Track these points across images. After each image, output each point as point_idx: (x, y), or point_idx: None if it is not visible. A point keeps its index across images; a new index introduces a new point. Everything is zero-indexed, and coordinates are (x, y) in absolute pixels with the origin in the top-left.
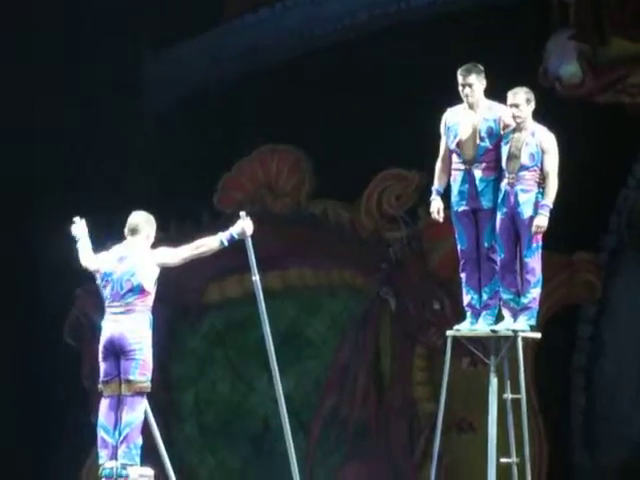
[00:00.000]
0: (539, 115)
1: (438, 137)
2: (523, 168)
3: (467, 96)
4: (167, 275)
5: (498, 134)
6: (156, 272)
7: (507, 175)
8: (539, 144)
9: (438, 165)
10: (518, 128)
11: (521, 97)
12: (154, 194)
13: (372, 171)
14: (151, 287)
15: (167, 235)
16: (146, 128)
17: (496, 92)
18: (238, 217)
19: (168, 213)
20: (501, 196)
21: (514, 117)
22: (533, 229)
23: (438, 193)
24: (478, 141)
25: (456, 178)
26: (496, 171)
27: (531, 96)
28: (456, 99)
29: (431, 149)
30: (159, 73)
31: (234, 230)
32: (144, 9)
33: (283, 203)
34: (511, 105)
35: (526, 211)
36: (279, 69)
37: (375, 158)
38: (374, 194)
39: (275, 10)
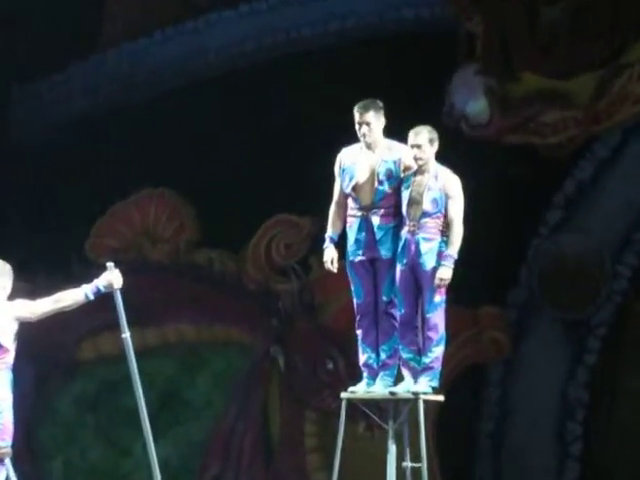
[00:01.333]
0: (443, 157)
1: (332, 180)
2: (425, 215)
3: (364, 135)
4: (37, 329)
5: (398, 177)
6: (14, 327)
7: (408, 222)
8: (443, 188)
9: (332, 210)
10: (420, 171)
11: (423, 137)
12: (19, 238)
13: (260, 217)
14: (10, 343)
15: (33, 286)
16: (13, 166)
17: (396, 130)
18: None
19: (35, 261)
20: (401, 245)
21: (416, 159)
22: (436, 282)
23: (332, 241)
24: (376, 184)
25: (352, 225)
26: (396, 218)
27: (434, 136)
28: (353, 138)
29: (325, 193)
30: (29, 108)
31: (100, 282)
32: (11, 42)
33: (162, 251)
34: (412, 146)
35: (428, 262)
36: (158, 104)
37: (263, 203)
38: (262, 242)
39: (154, 39)
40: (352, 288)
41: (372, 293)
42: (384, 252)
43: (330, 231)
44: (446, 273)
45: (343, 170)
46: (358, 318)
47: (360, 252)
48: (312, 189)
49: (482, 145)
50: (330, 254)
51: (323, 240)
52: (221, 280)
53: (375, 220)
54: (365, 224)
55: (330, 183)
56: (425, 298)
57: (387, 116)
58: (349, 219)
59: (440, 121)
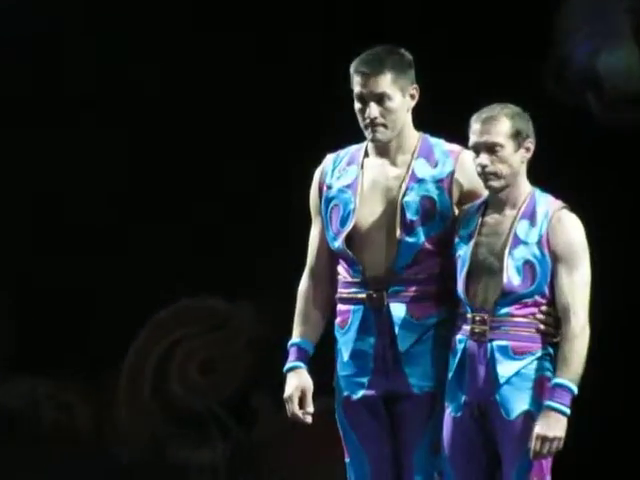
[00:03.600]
0: (547, 164)
1: (299, 221)
2: (509, 298)
3: (374, 124)
4: None
5: (448, 215)
6: None
7: (468, 314)
8: (547, 241)
9: (302, 288)
10: (496, 202)
11: (502, 127)
12: None
13: (145, 306)
14: None
15: None
16: None
17: (445, 115)
18: None
19: None
20: (454, 364)
21: (486, 174)
22: (532, 446)
23: (301, 355)
24: (399, 232)
25: (347, 321)
26: (441, 304)
27: (524, 123)
28: (347, 134)
29: (282, 250)
30: None
31: None
32: None
33: None
34: (479, 146)
35: (514, 402)
36: None
37: (153, 277)
38: (147, 361)
39: None
40: (346, 458)
41: (388, 467)
42: (416, 381)
43: (297, 334)
44: (555, 428)
45: (327, 199)
46: None
47: (365, 381)
48: (249, 244)
49: (625, 137)
50: (297, 384)
51: (282, 354)
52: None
53: (397, 310)
54: (376, 319)
55: (294, 226)
56: (507, 477)
57: (424, 83)
58: (340, 307)
59: (540, 91)
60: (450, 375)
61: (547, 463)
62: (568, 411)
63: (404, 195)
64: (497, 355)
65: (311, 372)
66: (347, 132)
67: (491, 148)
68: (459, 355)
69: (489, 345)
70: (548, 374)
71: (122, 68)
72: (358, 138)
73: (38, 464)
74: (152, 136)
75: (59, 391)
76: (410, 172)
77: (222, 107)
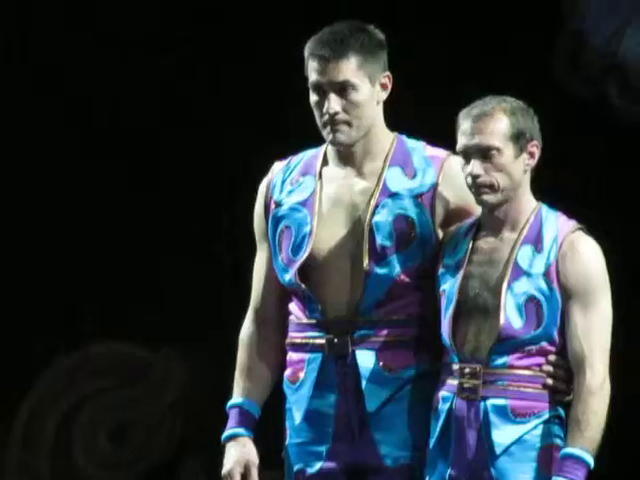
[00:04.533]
0: (555, 172)
1: (244, 243)
2: (507, 345)
3: (335, 123)
4: None
5: (429, 241)
6: None
7: (455, 366)
8: (556, 272)
9: (244, 334)
10: (492, 221)
11: (500, 124)
12: None
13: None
14: None
15: None
16: None
17: (427, 108)
18: None
19: None
20: (437, 429)
21: (479, 187)
22: None
23: (244, 420)
24: (366, 262)
25: (299, 376)
26: (420, 352)
27: (527, 121)
28: (302, 135)
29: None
30: None
31: None
32: None
33: None
34: (469, 150)
35: (514, 477)
36: None
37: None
38: (46, 423)
39: None
40: None
41: None
42: (389, 450)
43: (239, 392)
44: None
45: (275, 219)
46: None
47: (324, 451)
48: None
49: None
50: (240, 457)
51: (218, 416)
52: None
53: (365, 360)
54: (338, 371)
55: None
56: None
57: (400, 68)
58: (291, 356)
59: (548, 80)
60: (432, 442)
61: None
62: None
63: (374, 214)
64: (492, 417)
65: (256, 440)
66: (299, 133)
67: (485, 153)
68: (443, 417)
69: (482, 404)
70: (557, 442)
71: None
72: (315, 140)
73: None
74: None
75: None
76: (381, 184)
77: None
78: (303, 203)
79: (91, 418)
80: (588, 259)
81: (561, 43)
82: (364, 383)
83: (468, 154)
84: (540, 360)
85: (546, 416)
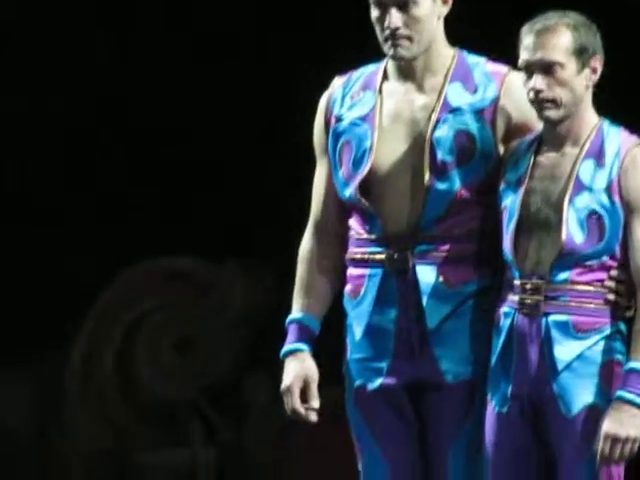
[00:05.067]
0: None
1: (300, 161)
2: (569, 259)
3: (396, 37)
4: None
5: (490, 154)
6: None
7: (516, 281)
8: (619, 186)
9: (304, 249)
10: (554, 137)
11: (562, 41)
12: None
13: (106, 269)
14: None
15: None
16: None
17: (488, 27)
18: None
19: None
20: (499, 345)
21: (541, 102)
22: (599, 449)
23: (303, 335)
24: (427, 177)
25: (360, 290)
26: (481, 267)
27: (590, 37)
28: (362, 51)
29: (272, 200)
30: None
31: None
32: None
33: None
34: (532, 65)
35: (575, 393)
36: None
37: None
38: (106, 345)
39: None
40: (360, 464)
41: (415, 475)
42: (450, 366)
43: (299, 307)
44: (628, 425)
45: (336, 134)
46: None
47: (384, 367)
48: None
49: None
50: (299, 372)
51: (280, 330)
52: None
53: (426, 275)
54: (398, 286)
55: (297, 166)
56: None
57: None
58: (352, 271)
59: None
60: (493, 359)
61: (619, 471)
62: None
63: (434, 129)
64: (554, 333)
65: (316, 356)
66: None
67: (547, 68)
68: (505, 333)
69: (544, 320)
70: (619, 357)
71: None
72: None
73: None
74: None
75: None
76: (442, 100)
77: None
78: (363, 118)
79: (154, 332)
80: None
81: None
82: (424, 298)
83: (530, 69)
84: (602, 275)
85: (607, 332)
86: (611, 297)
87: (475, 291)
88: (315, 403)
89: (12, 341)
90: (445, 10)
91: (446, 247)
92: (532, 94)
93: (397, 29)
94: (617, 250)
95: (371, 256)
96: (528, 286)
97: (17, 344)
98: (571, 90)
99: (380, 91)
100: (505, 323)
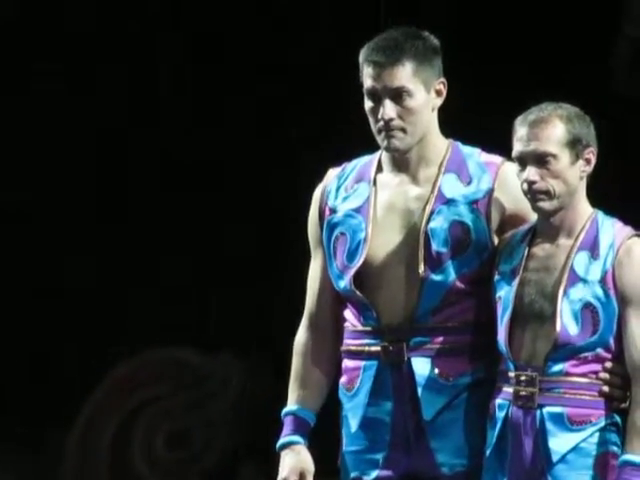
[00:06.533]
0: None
1: (297, 251)
2: (563, 352)
3: (390, 129)
4: None
5: (485, 247)
6: None
7: (511, 373)
8: (612, 279)
9: (299, 341)
10: (548, 229)
11: (556, 131)
12: None
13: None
14: None
15: None
16: None
17: (478, 107)
18: None
19: None
20: (493, 437)
21: (535, 193)
22: None
23: (298, 428)
24: (422, 269)
25: (355, 383)
26: (475, 360)
27: (584, 128)
28: (354, 144)
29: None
30: None
31: None
32: None
33: None
34: (525, 157)
35: None
36: None
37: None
38: (104, 433)
39: None
40: None
41: None
42: (446, 458)
43: (294, 400)
44: None
45: (330, 225)
46: None
47: (380, 459)
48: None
49: None
50: (295, 464)
51: (274, 422)
52: None
53: (421, 367)
54: (393, 379)
55: (291, 258)
56: None
57: (455, 75)
58: (347, 364)
59: (606, 86)
60: (488, 451)
61: None
62: None
63: (429, 220)
64: (549, 425)
65: (311, 448)
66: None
67: (541, 159)
68: (500, 425)
69: (539, 412)
70: (614, 449)
71: None
72: (368, 147)
73: None
74: None
75: None
76: (436, 191)
77: None
78: (358, 210)
79: (149, 424)
80: None
81: (620, 48)
82: (420, 391)
83: (524, 160)
84: (596, 367)
85: (602, 424)
86: (605, 389)
87: (470, 383)
88: None
89: (11, 422)
90: (439, 102)
91: (441, 339)
92: (525, 185)
93: (391, 120)
94: (611, 342)
95: (366, 348)
96: (522, 378)
97: (16, 425)
98: (565, 181)
99: (374, 182)
100: (500, 415)
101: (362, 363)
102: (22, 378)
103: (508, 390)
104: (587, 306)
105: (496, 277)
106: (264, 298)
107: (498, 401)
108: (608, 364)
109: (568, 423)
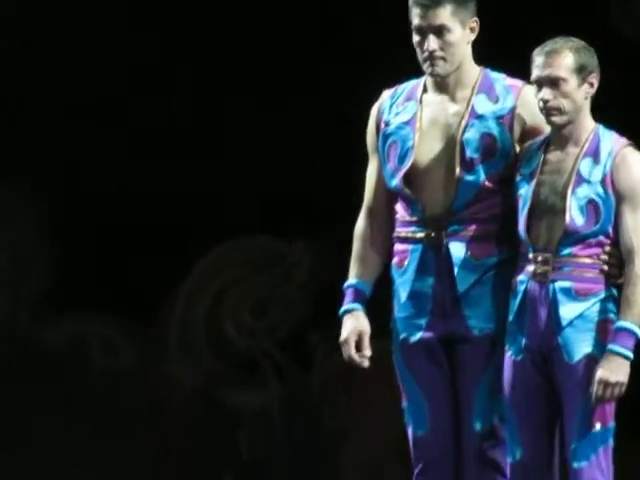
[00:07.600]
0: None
1: (356, 160)
2: (571, 238)
3: (433, 58)
4: None
5: (508, 152)
6: None
7: (529, 255)
8: (611, 179)
9: (359, 228)
10: (558, 138)
11: (566, 61)
12: None
13: (195, 246)
14: None
15: None
16: None
17: (505, 50)
18: None
19: None
20: (515, 305)
21: (548, 109)
22: (594, 390)
23: (358, 297)
24: (458, 170)
25: (404, 262)
26: (501, 244)
27: (589, 58)
28: (405, 69)
29: (337, 190)
30: None
31: None
32: None
33: None
34: (542, 80)
35: (576, 345)
36: None
37: (200, 214)
38: (198, 304)
39: None
40: (403, 402)
41: (448, 411)
42: (476, 323)
43: (354, 275)
44: (617, 372)
45: (384, 135)
46: (417, 470)
47: (423, 323)
48: (311, 179)
49: None
50: (354, 327)
51: (337, 294)
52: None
53: (457, 250)
54: (435, 259)
55: (351, 165)
56: (569, 425)
57: (485, 16)
58: (397, 247)
59: (606, 25)
60: (511, 317)
61: (610, 407)
62: (631, 355)
63: (464, 132)
64: (559, 297)
65: (368, 314)
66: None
67: (554, 82)
68: (520, 296)
69: (551, 286)
70: (612, 316)
71: None
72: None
73: (81, 405)
74: None
75: (105, 330)
76: (470, 108)
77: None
78: (407, 122)
79: (237, 297)
80: (637, 169)
81: None
82: (456, 269)
83: (540, 83)
84: (598, 250)
85: (602, 295)
86: (605, 268)
87: (496, 263)
88: (367, 352)
89: (123, 295)
90: (473, 36)
91: (473, 227)
92: (541, 103)
93: (434, 51)
94: (610, 231)
95: (413, 235)
96: (539, 258)
97: (126, 298)
98: (573, 101)
99: (420, 101)
100: (520, 288)
101: (410, 247)
102: (142, 262)
103: (527, 268)
104: (590, 202)
105: (517, 178)
106: (334, 202)
107: (519, 277)
108: (607, 248)
109: (575, 295)
